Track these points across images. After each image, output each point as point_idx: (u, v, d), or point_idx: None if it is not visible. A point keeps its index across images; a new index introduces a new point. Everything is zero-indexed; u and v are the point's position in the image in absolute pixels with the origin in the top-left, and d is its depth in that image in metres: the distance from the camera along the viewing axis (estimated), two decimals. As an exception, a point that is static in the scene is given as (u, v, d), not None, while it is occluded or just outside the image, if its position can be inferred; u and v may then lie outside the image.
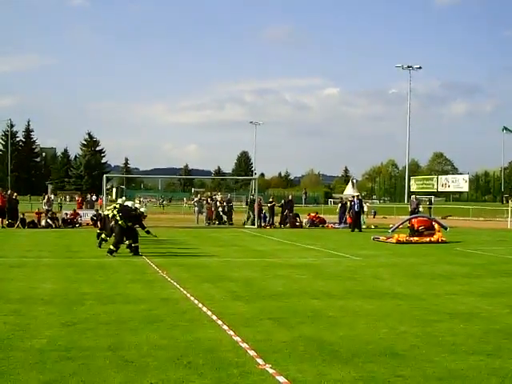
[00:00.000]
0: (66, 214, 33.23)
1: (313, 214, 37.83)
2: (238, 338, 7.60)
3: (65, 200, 70.93)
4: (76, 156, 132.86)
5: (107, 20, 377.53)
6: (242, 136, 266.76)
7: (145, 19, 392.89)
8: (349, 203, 34.14)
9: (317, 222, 36.26)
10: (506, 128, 75.14)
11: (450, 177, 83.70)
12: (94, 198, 39.74)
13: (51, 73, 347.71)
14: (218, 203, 36.80)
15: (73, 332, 7.90)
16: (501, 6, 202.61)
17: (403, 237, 24.45)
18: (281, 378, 6.01)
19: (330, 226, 35.96)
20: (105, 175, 38.30)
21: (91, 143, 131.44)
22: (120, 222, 17.83)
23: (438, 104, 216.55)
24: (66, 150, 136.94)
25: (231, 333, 7.91)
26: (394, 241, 23.98)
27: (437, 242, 24.25)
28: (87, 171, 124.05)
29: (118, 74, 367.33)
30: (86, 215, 33.52)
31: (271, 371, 6.25)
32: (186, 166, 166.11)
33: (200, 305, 9.92)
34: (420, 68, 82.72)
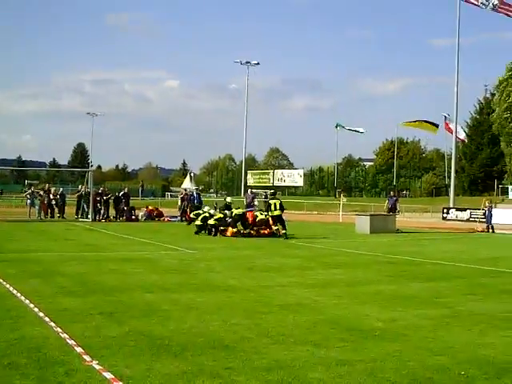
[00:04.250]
0: None
1: (151, 208, 37.63)
2: (65, 335, 7.32)
3: None
4: None
5: None
6: (80, 127, 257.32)
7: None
8: (183, 196, 34.38)
9: (153, 216, 36.13)
10: (339, 125, 78.37)
11: (285, 171, 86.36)
12: None
13: None
14: (51, 196, 35.71)
15: None
16: (337, 7, 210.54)
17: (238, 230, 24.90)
18: (107, 374, 5.87)
19: (166, 219, 35.95)
20: None
21: None
22: None
23: (277, 99, 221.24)
24: None
25: (59, 330, 7.60)
26: (229, 234, 24.35)
27: (271, 235, 24.87)
28: None
29: None
30: None
31: (98, 367, 6.08)
32: (19, 157, 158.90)
33: (27, 301, 9.46)
34: (258, 64, 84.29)
